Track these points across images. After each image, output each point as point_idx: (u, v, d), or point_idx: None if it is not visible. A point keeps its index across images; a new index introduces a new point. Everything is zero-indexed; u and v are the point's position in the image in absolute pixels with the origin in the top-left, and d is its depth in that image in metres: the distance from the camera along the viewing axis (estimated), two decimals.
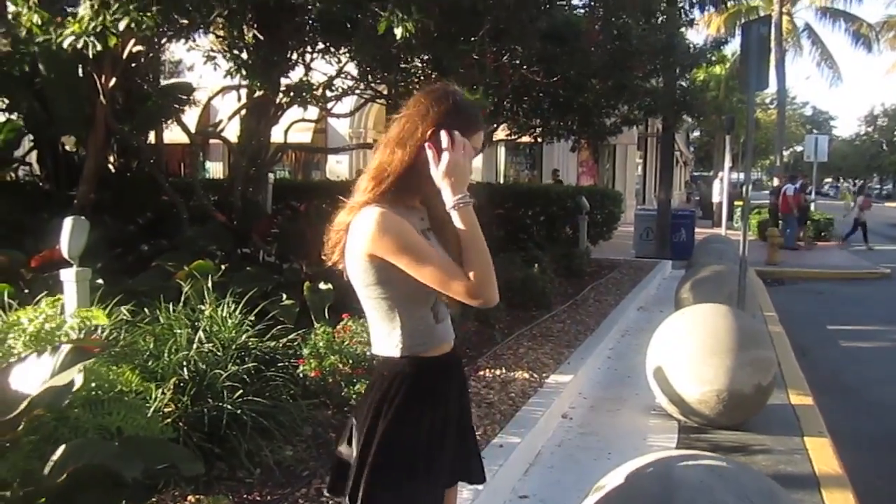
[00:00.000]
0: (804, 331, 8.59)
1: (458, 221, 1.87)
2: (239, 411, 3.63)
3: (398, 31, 3.96)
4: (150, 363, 3.91)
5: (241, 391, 3.74)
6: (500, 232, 9.86)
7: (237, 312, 4.69)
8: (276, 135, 15.09)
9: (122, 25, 4.18)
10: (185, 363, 3.85)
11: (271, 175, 9.30)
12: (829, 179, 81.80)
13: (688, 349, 4.68)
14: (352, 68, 6.86)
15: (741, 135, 32.53)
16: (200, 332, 4.29)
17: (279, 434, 3.79)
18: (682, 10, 7.78)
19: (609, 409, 5.24)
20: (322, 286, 5.74)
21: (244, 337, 4.44)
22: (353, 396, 4.26)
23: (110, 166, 9.21)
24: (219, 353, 4.16)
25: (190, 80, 10.73)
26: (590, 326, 7.28)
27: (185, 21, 4.91)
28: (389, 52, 5.07)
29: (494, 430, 4.22)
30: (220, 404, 3.64)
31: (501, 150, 22.32)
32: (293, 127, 8.62)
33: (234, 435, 3.58)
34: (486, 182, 14.59)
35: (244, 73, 5.02)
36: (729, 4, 19.31)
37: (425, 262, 1.85)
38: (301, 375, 4.35)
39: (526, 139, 11.36)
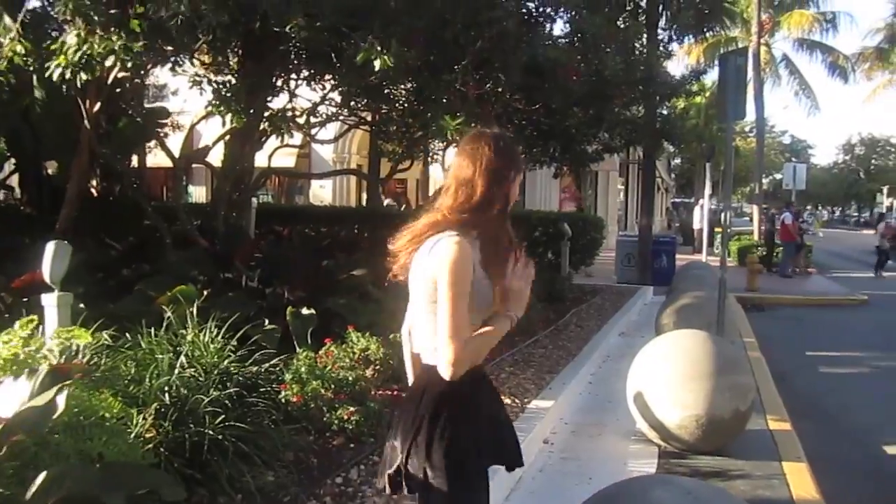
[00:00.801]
0: (783, 356, 8.68)
1: (500, 321, 2.10)
2: (220, 437, 3.63)
3: (377, 63, 4.03)
4: (131, 388, 3.90)
5: (222, 416, 3.74)
6: None
7: (219, 338, 4.70)
8: (260, 159, 15.12)
9: (108, 62, 4.22)
10: (166, 388, 3.85)
11: (254, 199, 9.31)
12: (809, 207, 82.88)
13: (667, 375, 4.73)
14: (336, 95, 6.93)
15: (721, 162, 32.96)
16: (182, 357, 4.29)
17: (260, 459, 3.78)
18: (661, 43, 7.93)
19: (590, 434, 5.27)
20: (305, 311, 5.75)
21: (226, 362, 4.43)
22: (335, 422, 4.27)
23: (93, 190, 9.22)
24: (201, 379, 4.15)
25: (173, 104, 10.80)
26: (571, 352, 7.32)
27: (170, 48, 4.94)
28: (372, 81, 5.14)
29: None
30: (202, 429, 3.63)
31: None
32: (277, 151, 8.67)
33: (216, 460, 3.58)
34: None
35: (227, 101, 5.05)
36: (708, 35, 19.61)
37: (453, 307, 2.01)
38: (283, 401, 4.35)
39: None
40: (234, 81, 5.49)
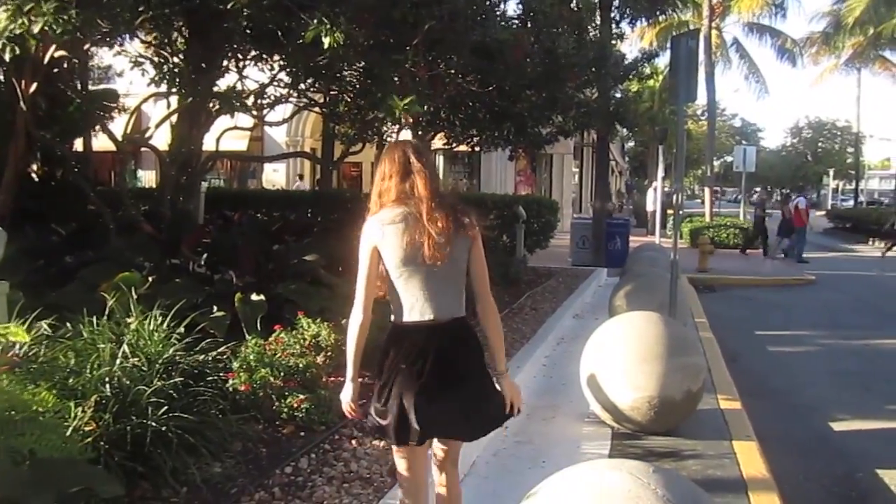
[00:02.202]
0: (734, 337, 8.81)
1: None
2: (164, 428, 3.51)
3: (326, 41, 3.91)
4: (70, 380, 3.76)
5: (166, 407, 3.62)
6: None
7: (164, 326, 4.57)
8: (210, 142, 14.80)
9: (35, 28, 4.02)
10: (107, 379, 3.71)
11: (203, 184, 9.09)
12: (758, 189, 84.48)
13: (620, 357, 4.73)
14: (285, 76, 6.77)
15: (673, 145, 33.37)
16: (125, 347, 4.16)
17: (206, 450, 3.67)
18: (614, 22, 7.91)
19: (544, 417, 5.26)
20: (254, 297, 5.62)
21: (171, 351, 4.30)
22: (285, 410, 4.18)
23: (34, 175, 8.89)
24: (144, 369, 4.03)
25: (118, 87, 10.46)
26: (526, 335, 7.31)
27: (109, 26, 4.74)
28: (321, 61, 5.02)
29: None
30: (144, 421, 3.51)
31: (440, 160, 22.37)
32: (228, 134, 8.46)
33: (159, 453, 3.46)
34: None
35: (172, 81, 4.88)
36: (661, 19, 19.74)
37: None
38: (231, 389, 4.24)
39: (463, 148, 11.41)
40: (177, 61, 5.31)
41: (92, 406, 3.52)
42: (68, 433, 3.24)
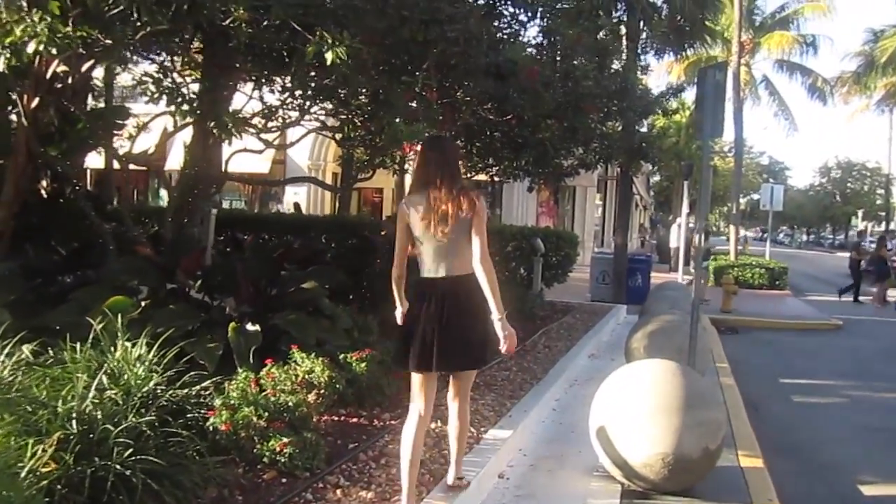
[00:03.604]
0: (756, 384, 8.40)
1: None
2: (129, 472, 3.23)
3: (329, 57, 3.68)
4: (38, 413, 3.50)
5: (132, 448, 3.34)
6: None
7: (150, 355, 4.32)
8: (233, 165, 14.67)
9: (30, 48, 3.85)
10: (74, 414, 3.45)
11: (214, 208, 8.88)
12: (784, 228, 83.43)
13: (633, 408, 4.39)
14: (295, 99, 6.57)
15: (699, 181, 32.94)
16: (103, 377, 3.90)
17: (176, 497, 3.38)
18: (639, 55, 7.65)
19: (549, 468, 4.91)
20: (249, 327, 5.36)
21: (152, 383, 4.05)
22: (266, 454, 3.88)
23: (43, 192, 8.75)
24: (120, 402, 3.77)
25: (142, 107, 10.34)
26: (537, 375, 6.98)
27: (108, 41, 4.56)
28: (326, 82, 4.80)
29: (421, 494, 3.86)
30: (108, 463, 3.23)
31: None
32: (250, 157, 8.25)
33: (121, 499, 3.18)
34: None
35: (171, 98, 4.67)
36: (689, 53, 19.49)
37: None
38: (210, 429, 3.95)
39: (482, 178, 11.16)
40: (178, 79, 5.12)
41: (54, 444, 3.26)
42: (23, 475, 2.99)
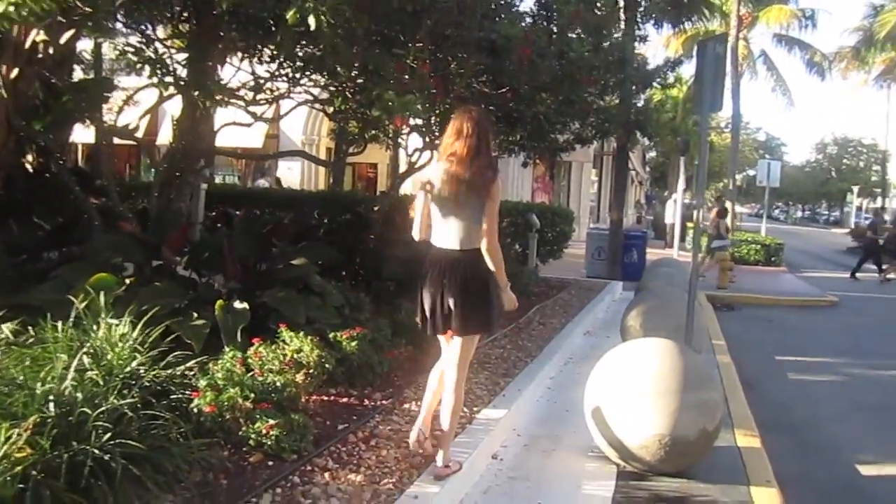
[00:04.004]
0: (753, 361, 8.33)
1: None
2: (108, 456, 3.11)
3: (312, 21, 3.52)
4: (15, 395, 3.38)
5: (113, 431, 3.22)
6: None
7: (135, 333, 4.20)
8: (222, 137, 14.45)
9: None
10: (51, 397, 3.32)
11: (204, 183, 8.71)
12: (780, 204, 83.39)
13: (629, 389, 4.29)
14: (284, 70, 6.39)
15: (695, 157, 32.76)
16: (84, 357, 3.78)
17: (157, 482, 3.27)
18: (637, 24, 7.46)
19: (544, 448, 4.82)
20: (237, 305, 5.22)
21: (134, 363, 3.93)
22: (252, 436, 3.77)
23: (28, 167, 8.57)
24: (101, 384, 3.64)
25: (125, 78, 10.11)
26: (531, 352, 6.87)
27: (88, 8, 4.38)
28: (315, 52, 4.63)
29: (411, 477, 3.76)
30: (87, 447, 3.12)
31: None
32: (243, 131, 8.06)
33: (99, 485, 3.06)
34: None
35: (154, 69, 4.50)
36: (687, 27, 19.24)
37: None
38: (195, 410, 3.84)
39: None
40: (163, 50, 4.94)
41: (30, 428, 3.14)
42: None
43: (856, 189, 64.62)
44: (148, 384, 3.87)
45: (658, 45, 26.21)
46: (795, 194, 77.83)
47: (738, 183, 31.98)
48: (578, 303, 10.29)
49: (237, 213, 10.30)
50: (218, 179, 20.21)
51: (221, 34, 4.84)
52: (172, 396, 3.91)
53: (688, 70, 25.31)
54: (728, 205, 19.30)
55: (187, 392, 3.94)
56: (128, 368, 3.89)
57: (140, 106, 9.71)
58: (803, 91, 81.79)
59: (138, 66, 4.50)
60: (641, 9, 10.38)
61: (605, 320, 9.92)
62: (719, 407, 4.41)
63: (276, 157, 13.42)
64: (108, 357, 3.99)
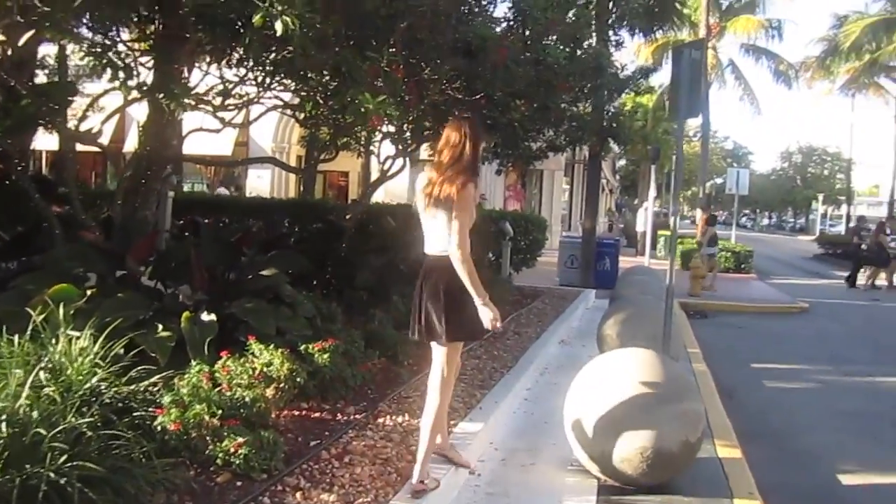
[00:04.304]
0: (729, 369, 8.28)
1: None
2: (64, 479, 2.93)
3: (278, 26, 3.38)
4: None
5: (70, 452, 3.03)
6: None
7: (97, 347, 4.01)
8: (196, 146, 14.12)
9: None
10: (4, 416, 3.13)
11: (172, 190, 8.48)
12: (746, 211, 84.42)
13: (609, 401, 4.17)
14: (255, 75, 6.22)
15: (666, 165, 33.03)
16: (41, 373, 3.60)
17: None
18: (612, 30, 7.41)
19: (522, 462, 4.69)
20: (205, 316, 5.04)
21: (95, 379, 3.74)
22: (220, 455, 3.59)
23: None
24: (59, 401, 3.46)
25: (94, 84, 9.84)
26: (507, 363, 6.76)
27: (47, 7, 4.19)
28: (284, 55, 4.48)
29: (387, 496, 3.61)
30: (41, 470, 2.93)
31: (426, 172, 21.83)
32: (212, 138, 7.86)
33: None
34: (408, 204, 14.02)
35: (115, 72, 4.31)
36: (658, 36, 19.34)
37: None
38: (159, 428, 3.65)
39: None
40: (125, 52, 4.76)
41: None
42: None
43: (821, 197, 65.68)
44: (109, 401, 3.71)
45: (629, 54, 26.40)
46: (762, 202, 78.98)
47: (707, 191, 32.25)
48: (553, 311, 10.21)
49: (206, 221, 10.10)
50: (186, 187, 19.92)
51: (188, 35, 4.67)
52: (135, 414, 3.74)
53: (657, 79, 25.58)
54: (697, 214, 19.41)
55: (151, 409, 3.77)
56: (88, 385, 3.72)
57: (105, 112, 9.47)
58: (770, 100, 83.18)
59: (99, 68, 4.29)
60: (614, 16, 10.37)
61: (579, 329, 9.85)
62: (702, 418, 4.32)
63: (245, 163, 13.22)
64: (67, 373, 3.82)
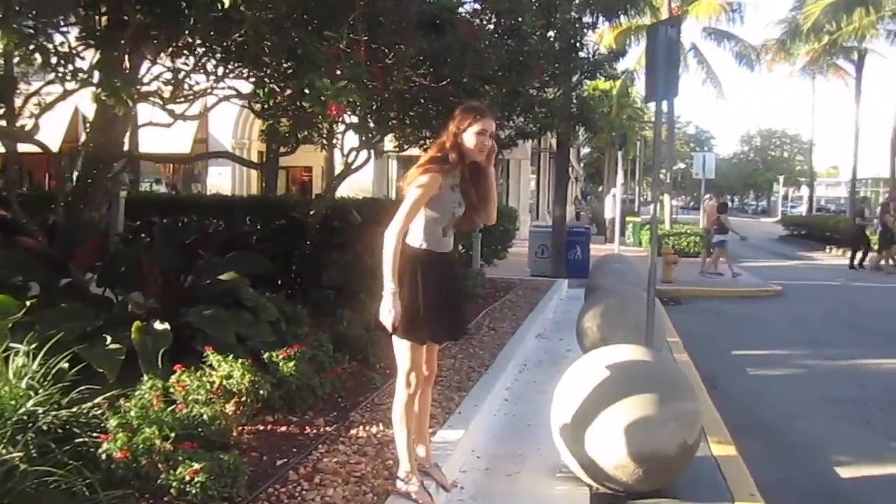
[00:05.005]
0: (710, 358, 8.06)
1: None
2: None
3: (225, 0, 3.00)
4: None
5: None
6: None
7: (34, 364, 3.62)
8: (151, 143, 13.50)
9: None
10: None
11: (123, 190, 7.99)
12: (708, 195, 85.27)
13: (600, 402, 3.87)
14: (208, 64, 5.79)
15: (631, 152, 32.99)
16: None
17: None
18: (583, 13, 7.09)
19: (508, 471, 4.36)
20: (157, 326, 4.63)
21: (30, 403, 3.33)
22: (174, 483, 3.21)
23: None
24: None
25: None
26: (484, 361, 6.44)
27: None
28: (235, 38, 4.09)
29: None
30: None
31: (393, 164, 21.45)
32: (169, 135, 7.41)
33: None
34: (374, 198, 13.65)
35: (46, 61, 3.89)
36: (622, 21, 19.10)
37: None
38: (104, 456, 3.26)
39: (416, 151, 10.51)
40: (60, 39, 4.32)
41: None
42: None
43: (781, 179, 66.50)
44: (46, 427, 3.30)
45: (592, 39, 26.17)
46: (724, 186, 79.73)
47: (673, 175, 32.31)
48: (527, 304, 9.93)
49: (164, 221, 9.61)
50: (144, 187, 19.25)
51: (126, 18, 4.24)
52: (78, 441, 3.34)
53: (621, 65, 25.39)
54: (663, 198, 19.27)
55: (95, 434, 3.37)
56: (23, 409, 3.32)
57: (55, 110, 8.92)
58: (731, 84, 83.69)
59: (26, 54, 3.85)
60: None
61: (555, 321, 9.57)
62: (699, 417, 4.03)
63: (197, 159, 12.71)
64: (2, 395, 3.42)
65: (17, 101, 6.95)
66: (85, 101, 6.42)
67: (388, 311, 3.38)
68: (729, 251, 16.35)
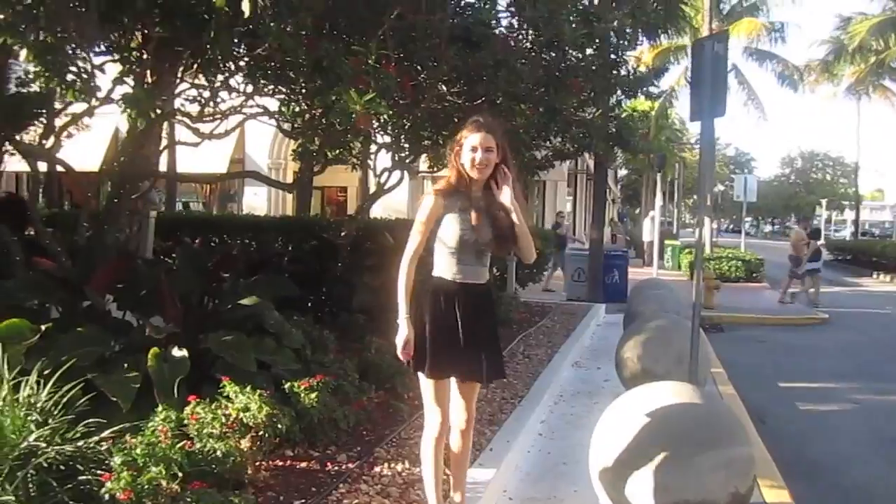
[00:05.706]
0: (757, 390, 7.66)
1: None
2: None
3: (246, 6, 2.80)
4: None
5: None
6: (419, 276, 8.70)
7: (44, 393, 3.44)
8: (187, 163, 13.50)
9: None
10: None
11: (154, 210, 7.87)
12: (749, 218, 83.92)
13: (643, 446, 3.55)
14: (236, 82, 5.63)
15: (669, 174, 32.49)
16: None
17: None
18: (625, 25, 6.82)
19: None
20: (175, 352, 4.43)
21: (33, 437, 3.13)
22: None
23: None
24: None
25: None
26: (518, 391, 6.14)
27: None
28: (261, 53, 3.91)
29: None
30: None
31: (428, 185, 21.27)
32: (207, 156, 7.31)
33: None
34: (407, 219, 13.42)
35: (61, 76, 3.73)
36: (662, 41, 18.78)
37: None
38: (106, 497, 3.03)
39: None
40: (81, 55, 4.17)
41: None
42: None
43: (824, 202, 65.11)
44: (48, 463, 3.10)
45: (631, 60, 25.87)
46: (764, 208, 78.36)
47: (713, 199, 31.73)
48: (563, 329, 9.61)
49: (196, 241, 9.51)
50: (178, 207, 19.32)
51: (146, 32, 4.09)
52: (81, 478, 3.13)
53: (660, 85, 25.00)
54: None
55: (100, 472, 3.15)
56: (24, 444, 3.12)
57: (95, 131, 8.88)
58: (772, 106, 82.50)
59: (43, 72, 3.70)
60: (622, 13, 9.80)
61: (592, 348, 9.23)
62: (752, 464, 3.69)
63: (226, 178, 12.64)
64: (4, 427, 3.23)
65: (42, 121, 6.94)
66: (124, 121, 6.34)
67: (398, 340, 3.27)
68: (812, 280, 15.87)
